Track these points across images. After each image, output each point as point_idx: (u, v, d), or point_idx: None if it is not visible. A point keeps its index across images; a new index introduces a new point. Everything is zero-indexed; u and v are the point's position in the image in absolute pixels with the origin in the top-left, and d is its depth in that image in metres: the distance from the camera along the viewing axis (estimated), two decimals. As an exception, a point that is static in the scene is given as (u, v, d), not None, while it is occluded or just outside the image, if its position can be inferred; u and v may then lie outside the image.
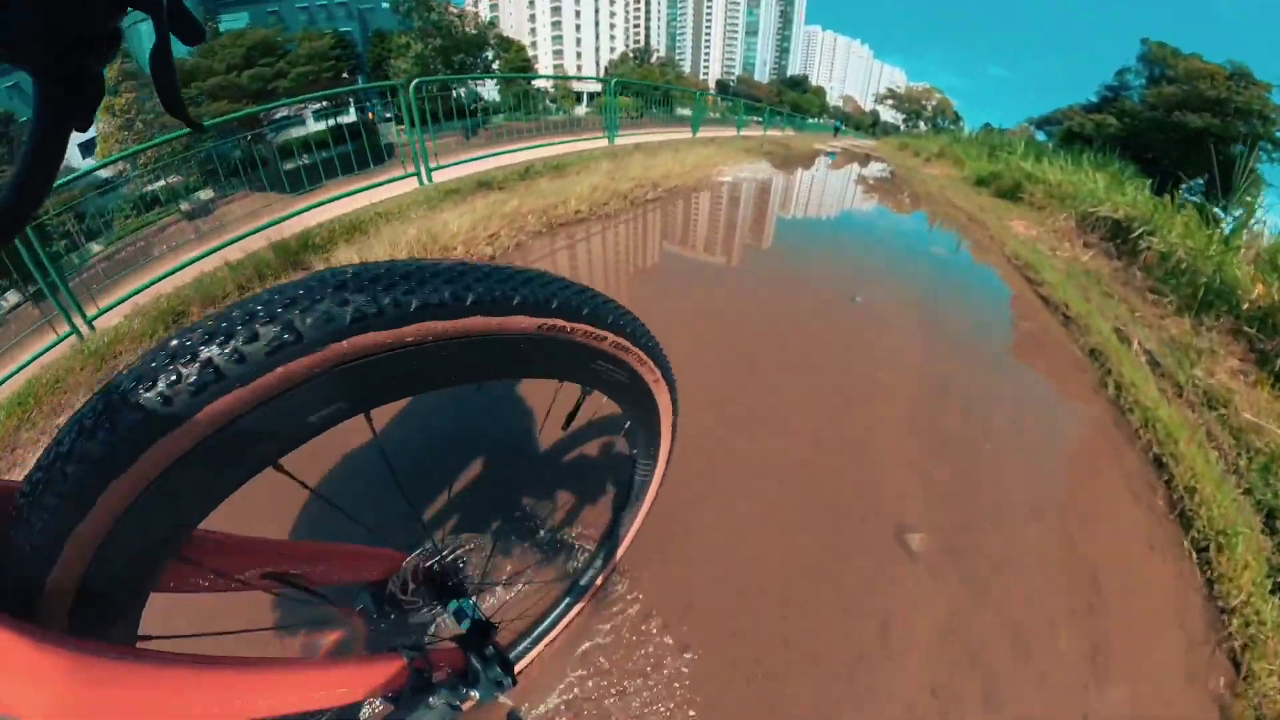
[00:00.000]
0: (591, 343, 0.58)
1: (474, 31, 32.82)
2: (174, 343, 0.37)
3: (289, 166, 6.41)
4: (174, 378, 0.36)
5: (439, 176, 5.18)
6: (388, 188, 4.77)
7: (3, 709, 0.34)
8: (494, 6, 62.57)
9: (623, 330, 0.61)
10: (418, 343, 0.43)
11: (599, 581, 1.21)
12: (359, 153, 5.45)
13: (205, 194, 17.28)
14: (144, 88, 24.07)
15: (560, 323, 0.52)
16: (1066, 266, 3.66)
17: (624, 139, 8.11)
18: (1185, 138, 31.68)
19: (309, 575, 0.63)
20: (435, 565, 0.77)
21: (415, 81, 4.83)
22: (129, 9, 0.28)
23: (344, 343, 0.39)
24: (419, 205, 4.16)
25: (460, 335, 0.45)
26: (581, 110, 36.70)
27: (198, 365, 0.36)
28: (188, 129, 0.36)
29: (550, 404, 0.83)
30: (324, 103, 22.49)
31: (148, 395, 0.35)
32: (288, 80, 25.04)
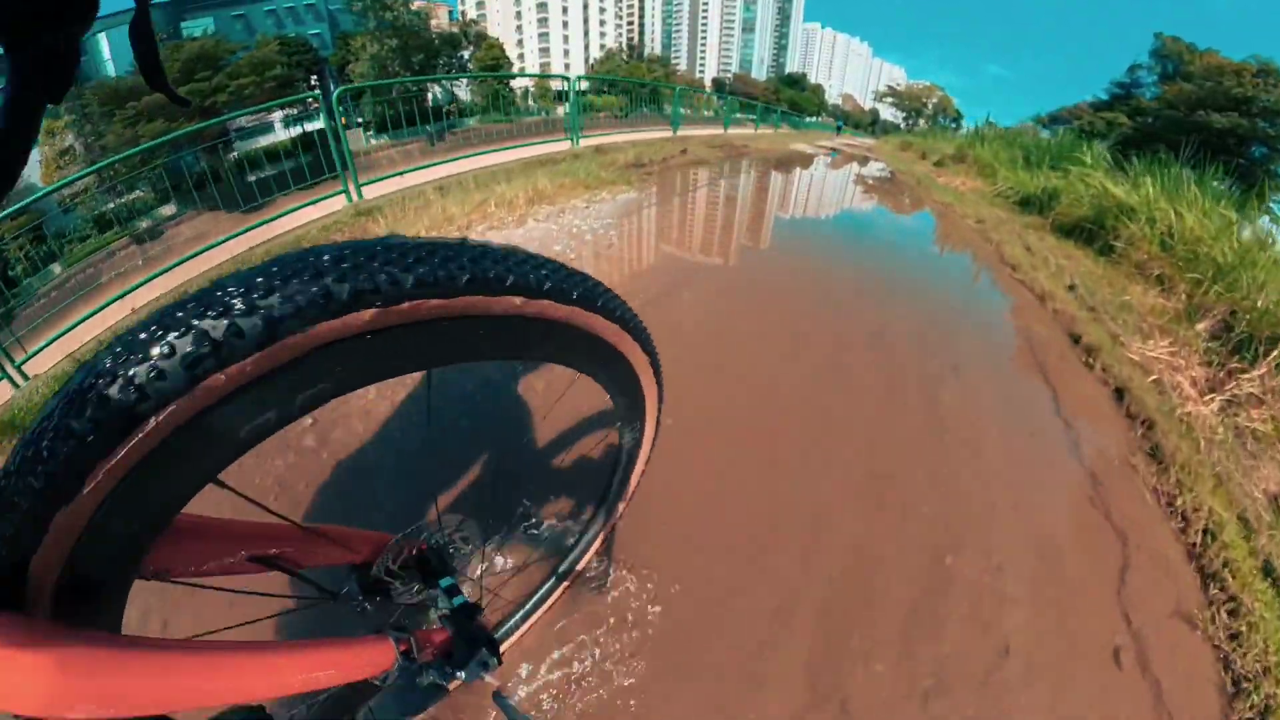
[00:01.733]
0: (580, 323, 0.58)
1: (441, 31, 30.98)
2: (161, 316, 0.37)
3: (249, 179, 6.17)
4: (163, 351, 0.35)
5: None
6: None
7: None
8: (480, 3, 60.45)
9: (612, 313, 0.62)
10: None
11: (582, 564, 1.22)
12: (311, 165, 5.09)
13: (166, 210, 17.15)
14: (83, 109, 23.11)
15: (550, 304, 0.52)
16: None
17: (455, 165, 5.63)
18: (1205, 139, 29.65)
19: (294, 558, 0.62)
20: (421, 547, 0.77)
21: None
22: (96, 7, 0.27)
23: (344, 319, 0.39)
24: None
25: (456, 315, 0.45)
26: (561, 110, 34.53)
27: (190, 338, 0.35)
28: (175, 103, 0.37)
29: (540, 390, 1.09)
30: (290, 110, 21.54)
31: (135, 372, 0.35)
32: (225, 94, 23.68)
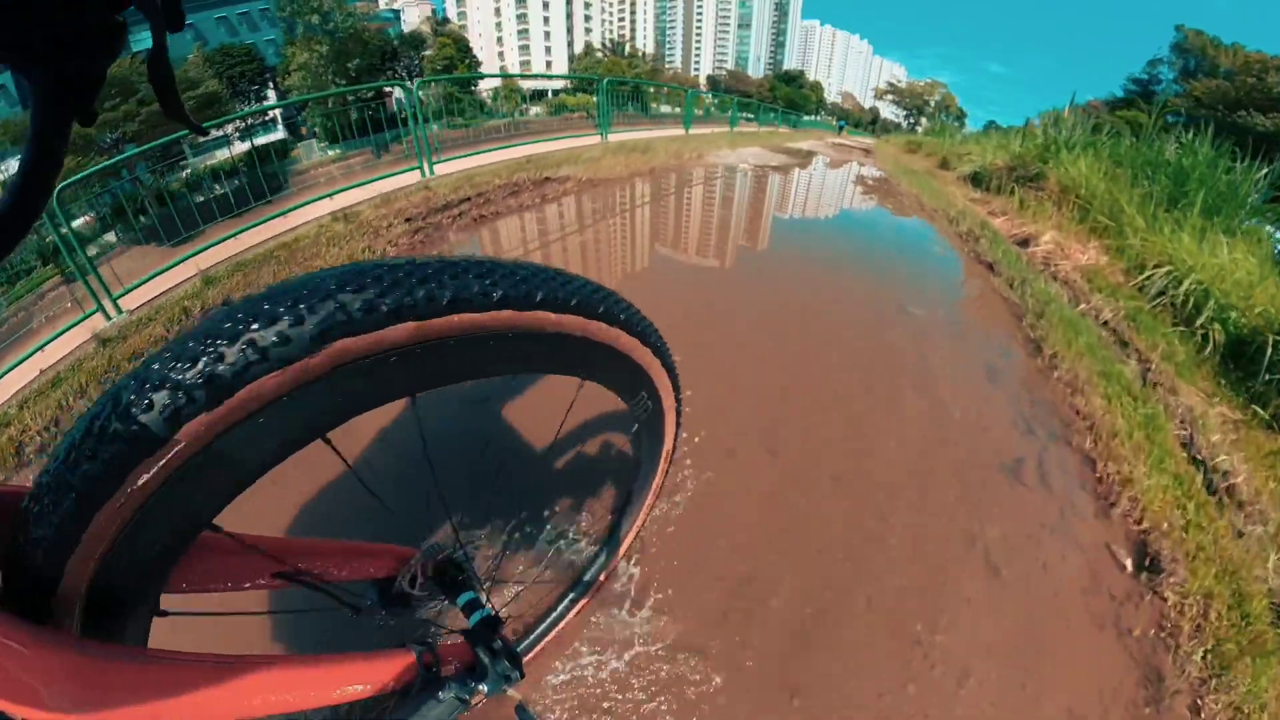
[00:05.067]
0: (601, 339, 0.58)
1: (410, 32, 28.00)
2: (191, 339, 0.38)
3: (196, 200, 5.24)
4: (191, 372, 0.36)
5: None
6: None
7: (16, 710, 0.34)
8: (460, 1, 57.38)
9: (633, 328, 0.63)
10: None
11: (603, 577, 1.22)
12: (255, 183, 4.76)
13: (109, 237, 16.26)
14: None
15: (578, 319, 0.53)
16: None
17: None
18: (1239, 140, 26.55)
19: (318, 572, 0.64)
20: (443, 561, 0.77)
21: None
22: (126, 5, 0.27)
23: (388, 331, 0.40)
24: None
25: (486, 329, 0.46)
26: (534, 111, 31.49)
27: (213, 356, 0.36)
28: (193, 130, 0.36)
29: (558, 402, 0.81)
30: (245, 122, 19.60)
31: (162, 394, 0.36)
32: (137, 124, 21.14)
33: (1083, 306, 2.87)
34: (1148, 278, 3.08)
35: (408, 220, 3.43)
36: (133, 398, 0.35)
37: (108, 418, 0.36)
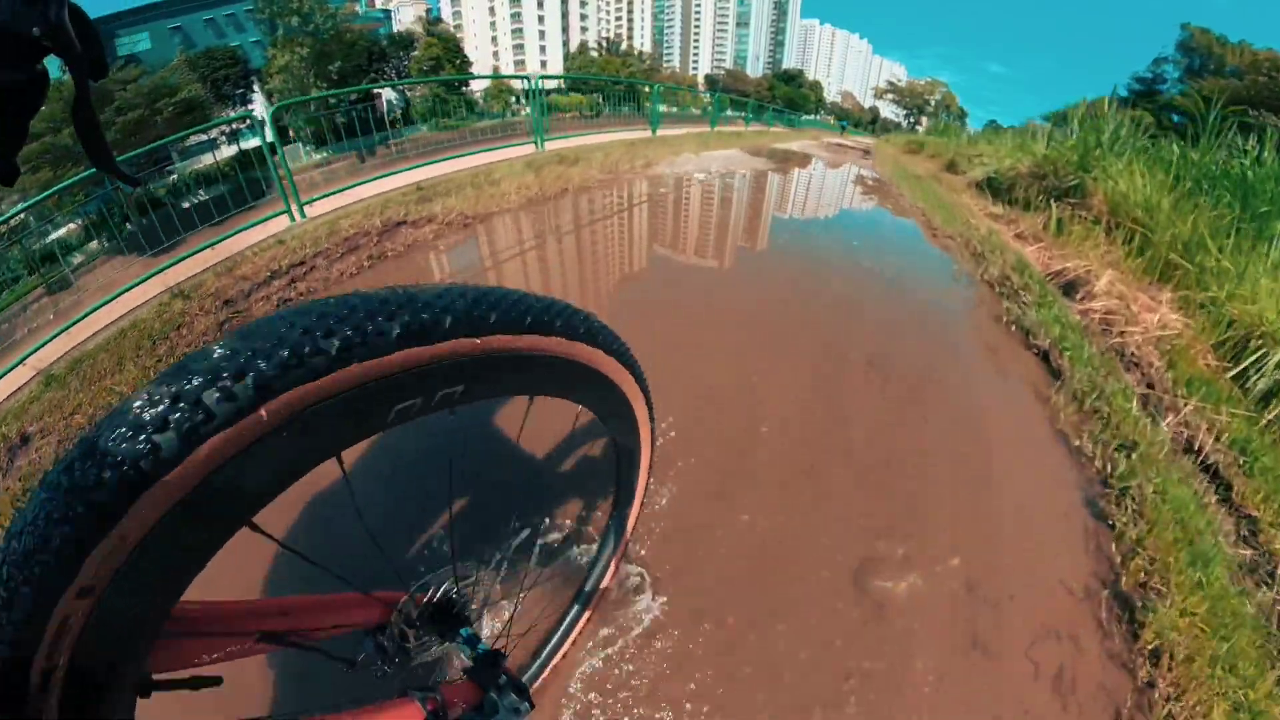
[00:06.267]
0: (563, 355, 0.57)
1: (400, 32, 27.15)
2: (133, 404, 0.36)
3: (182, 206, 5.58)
4: (136, 441, 0.34)
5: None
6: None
7: None
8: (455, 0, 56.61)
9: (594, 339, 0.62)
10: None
11: (604, 585, 1.17)
12: (234, 191, 4.54)
13: (94, 245, 15.78)
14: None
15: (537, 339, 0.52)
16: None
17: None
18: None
19: (305, 631, 0.61)
20: (433, 600, 0.74)
21: None
22: (46, 55, 0.26)
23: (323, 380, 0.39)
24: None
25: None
26: (527, 112, 30.75)
27: (161, 423, 0.34)
28: (125, 182, 0.34)
29: (522, 419, 0.77)
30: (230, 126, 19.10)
31: (109, 465, 0.33)
32: (113, 132, 20.76)
33: (1170, 420, 1.94)
34: (1254, 363, 2.15)
35: (226, 303, 2.59)
36: (81, 472, 0.33)
37: (62, 495, 0.34)
